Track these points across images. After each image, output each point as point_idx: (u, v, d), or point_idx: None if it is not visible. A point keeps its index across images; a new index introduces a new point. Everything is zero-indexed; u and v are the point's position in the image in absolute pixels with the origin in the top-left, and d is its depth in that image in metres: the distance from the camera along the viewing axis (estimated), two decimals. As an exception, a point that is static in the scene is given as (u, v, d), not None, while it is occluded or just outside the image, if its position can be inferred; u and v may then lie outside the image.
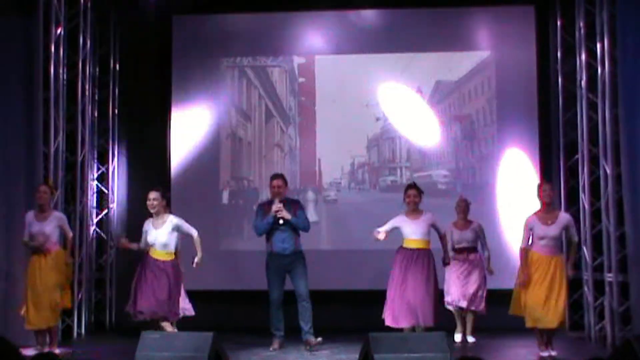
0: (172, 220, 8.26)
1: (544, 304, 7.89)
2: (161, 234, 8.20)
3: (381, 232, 8.41)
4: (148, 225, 8.31)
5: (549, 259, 8.00)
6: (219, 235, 10.85)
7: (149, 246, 8.26)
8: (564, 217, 8.20)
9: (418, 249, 8.38)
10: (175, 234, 8.26)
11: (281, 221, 8.56)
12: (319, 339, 8.50)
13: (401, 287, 8.28)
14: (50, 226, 8.32)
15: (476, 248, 9.08)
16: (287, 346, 8.63)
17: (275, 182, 8.71)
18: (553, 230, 8.02)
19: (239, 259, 10.64)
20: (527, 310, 8.00)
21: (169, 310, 8.14)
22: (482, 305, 8.97)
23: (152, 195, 8.30)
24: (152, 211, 8.28)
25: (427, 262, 8.36)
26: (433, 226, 8.49)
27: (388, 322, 8.30)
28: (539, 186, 8.30)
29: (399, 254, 8.46)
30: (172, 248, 8.27)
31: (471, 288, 8.89)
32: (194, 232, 8.31)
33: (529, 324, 8.05)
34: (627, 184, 8.37)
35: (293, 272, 8.63)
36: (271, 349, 8.53)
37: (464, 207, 9.13)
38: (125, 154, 11.15)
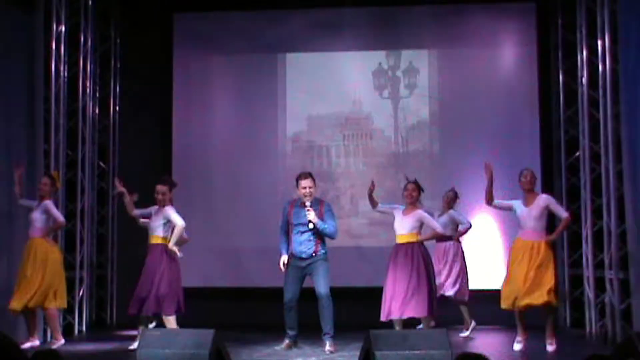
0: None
1: (526, 285, 7.80)
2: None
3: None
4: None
5: (532, 244, 7.90)
6: (220, 232, 10.83)
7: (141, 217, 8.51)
8: (541, 198, 8.09)
9: (406, 244, 8.16)
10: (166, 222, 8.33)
11: (310, 225, 8.03)
12: (331, 349, 8.06)
13: (393, 283, 8.08)
14: (37, 212, 8.37)
15: (452, 236, 9.08)
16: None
17: (305, 183, 8.09)
18: (533, 210, 7.94)
19: (240, 256, 10.63)
20: (509, 292, 7.92)
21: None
22: (465, 294, 9.07)
23: (159, 188, 8.34)
24: (159, 205, 8.33)
25: (416, 254, 8.10)
26: (421, 221, 8.22)
27: (382, 318, 8.13)
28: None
29: (392, 250, 8.28)
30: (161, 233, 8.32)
31: (451, 278, 8.99)
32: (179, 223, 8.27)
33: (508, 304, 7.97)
34: (629, 181, 8.36)
35: (313, 273, 8.14)
36: (277, 347, 8.21)
37: (452, 198, 9.12)
38: (126, 151, 11.14)
